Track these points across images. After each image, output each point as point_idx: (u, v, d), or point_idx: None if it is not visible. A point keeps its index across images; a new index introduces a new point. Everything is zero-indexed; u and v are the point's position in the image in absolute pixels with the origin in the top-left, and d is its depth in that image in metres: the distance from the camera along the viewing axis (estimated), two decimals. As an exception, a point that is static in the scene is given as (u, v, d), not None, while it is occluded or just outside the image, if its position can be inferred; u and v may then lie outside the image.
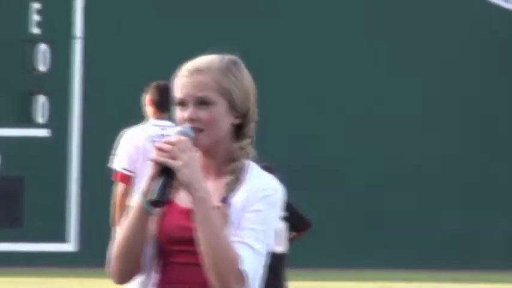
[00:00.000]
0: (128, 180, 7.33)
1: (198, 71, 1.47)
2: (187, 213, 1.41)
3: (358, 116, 21.55)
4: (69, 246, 20.88)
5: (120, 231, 1.46)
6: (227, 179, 1.45)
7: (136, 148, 7.38)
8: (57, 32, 21.31)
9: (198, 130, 1.43)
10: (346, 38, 21.63)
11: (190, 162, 1.36)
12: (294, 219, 8.95)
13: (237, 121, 1.49)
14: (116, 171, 7.52)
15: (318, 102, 21.56)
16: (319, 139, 21.46)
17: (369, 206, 21.48)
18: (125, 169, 7.37)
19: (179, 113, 1.48)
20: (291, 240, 9.19)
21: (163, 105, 7.53)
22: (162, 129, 7.47)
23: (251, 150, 1.50)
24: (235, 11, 21.34)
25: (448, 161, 21.37)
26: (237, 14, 21.49)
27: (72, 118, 21.23)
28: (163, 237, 1.45)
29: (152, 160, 1.40)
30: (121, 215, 7.11)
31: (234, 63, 1.52)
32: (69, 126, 21.18)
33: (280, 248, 8.78)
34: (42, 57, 21.14)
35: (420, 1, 22.02)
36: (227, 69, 1.48)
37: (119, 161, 7.47)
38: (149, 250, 1.46)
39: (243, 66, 1.52)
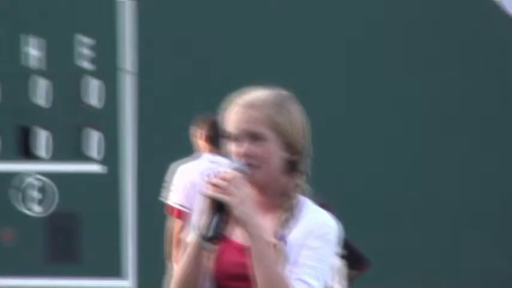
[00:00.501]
0: (184, 216, 7.37)
1: (251, 105, 1.47)
2: (244, 249, 1.41)
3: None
4: (126, 282, 21.05)
5: (177, 268, 1.47)
6: (282, 215, 1.45)
7: (192, 184, 7.41)
8: (109, 66, 21.78)
9: (252, 166, 1.43)
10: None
11: (246, 199, 1.36)
12: (353, 257, 8.84)
13: (292, 157, 1.48)
14: (172, 207, 7.57)
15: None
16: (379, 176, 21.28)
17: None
18: (181, 205, 7.41)
19: (233, 148, 1.48)
20: (351, 280, 9.07)
21: (217, 140, 7.57)
22: (217, 165, 7.51)
23: (306, 187, 1.50)
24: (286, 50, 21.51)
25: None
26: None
27: (126, 153, 21.58)
28: (220, 273, 1.45)
29: (207, 196, 1.40)
30: (178, 251, 7.16)
31: (287, 98, 1.52)
32: (123, 161, 21.53)
33: (340, 286, 8.67)
34: (95, 92, 21.63)
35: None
36: (281, 105, 1.48)
37: (175, 196, 7.51)
38: (205, 287, 1.46)
39: (295, 101, 1.52)
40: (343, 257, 8.12)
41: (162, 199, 7.94)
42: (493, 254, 18.78)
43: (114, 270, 21.30)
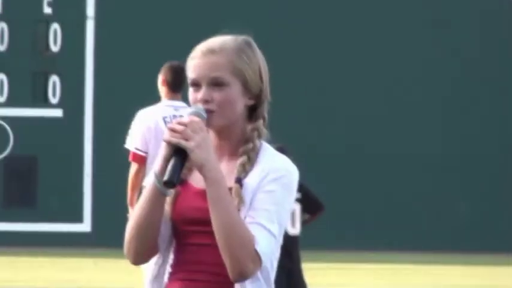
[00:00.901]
0: (141, 160, 7.38)
1: (211, 51, 1.46)
2: (202, 194, 1.41)
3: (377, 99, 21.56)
4: (83, 226, 21.06)
5: (134, 212, 1.46)
6: (240, 160, 1.45)
7: (148, 128, 7.41)
8: (69, 12, 21.33)
9: (210, 111, 1.42)
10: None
11: (203, 143, 1.36)
12: (307, 201, 8.97)
13: (251, 102, 1.48)
14: (129, 151, 7.58)
15: (330, 80, 21.55)
16: (329, 120, 21.48)
17: (382, 188, 21.54)
18: (137, 149, 7.42)
19: (192, 93, 1.47)
20: (305, 224, 9.21)
21: (177, 85, 7.55)
22: (175, 109, 7.49)
23: (264, 132, 1.50)
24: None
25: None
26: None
27: (85, 98, 21.34)
28: (178, 218, 1.45)
29: (165, 141, 1.40)
30: (134, 195, 7.16)
31: (248, 43, 1.51)
32: (82, 106, 21.31)
33: (294, 230, 8.82)
34: (55, 38, 21.23)
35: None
36: (240, 50, 1.47)
37: (132, 141, 7.52)
38: (165, 231, 1.46)
39: (256, 46, 1.51)
40: (297, 200, 8.25)
41: (122, 145, 7.92)
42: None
43: (71, 215, 21.24)
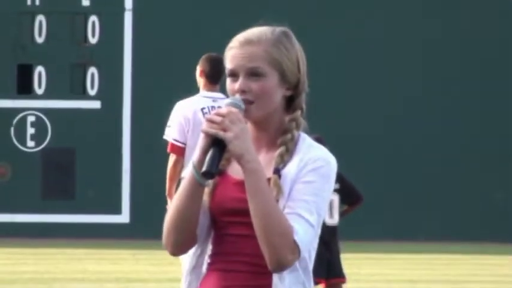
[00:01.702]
0: (179, 151, 7.45)
1: (249, 42, 1.46)
2: (241, 184, 1.41)
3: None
4: (122, 217, 21.27)
5: (173, 203, 1.46)
6: (279, 151, 1.44)
7: (186, 119, 7.48)
8: (108, 4, 21.52)
9: (248, 102, 1.42)
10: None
11: (241, 134, 1.36)
12: (346, 191, 8.93)
13: (288, 93, 1.48)
14: (168, 142, 7.66)
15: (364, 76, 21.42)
16: (373, 111, 21.36)
17: (420, 178, 21.38)
18: (176, 140, 7.49)
19: (230, 84, 1.47)
20: (343, 214, 9.18)
21: (214, 77, 7.60)
22: (213, 100, 7.54)
23: (302, 122, 1.49)
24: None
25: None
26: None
27: (123, 90, 21.53)
28: (217, 208, 1.46)
29: (203, 132, 1.40)
30: (172, 186, 7.23)
31: (285, 34, 1.50)
32: (120, 98, 21.50)
33: (333, 220, 8.80)
34: (93, 30, 21.44)
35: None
36: (278, 41, 1.47)
37: (170, 132, 7.59)
38: (203, 222, 1.47)
39: (293, 37, 1.51)
40: (336, 190, 8.22)
41: (161, 136, 8.00)
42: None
43: (110, 206, 21.46)
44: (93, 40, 21.53)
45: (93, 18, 21.35)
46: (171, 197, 7.06)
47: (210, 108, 7.26)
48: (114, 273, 15.00)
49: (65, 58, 21.08)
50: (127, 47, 21.41)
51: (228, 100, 1.45)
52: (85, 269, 15.51)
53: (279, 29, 1.51)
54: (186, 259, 1.56)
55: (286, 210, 1.38)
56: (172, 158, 7.54)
